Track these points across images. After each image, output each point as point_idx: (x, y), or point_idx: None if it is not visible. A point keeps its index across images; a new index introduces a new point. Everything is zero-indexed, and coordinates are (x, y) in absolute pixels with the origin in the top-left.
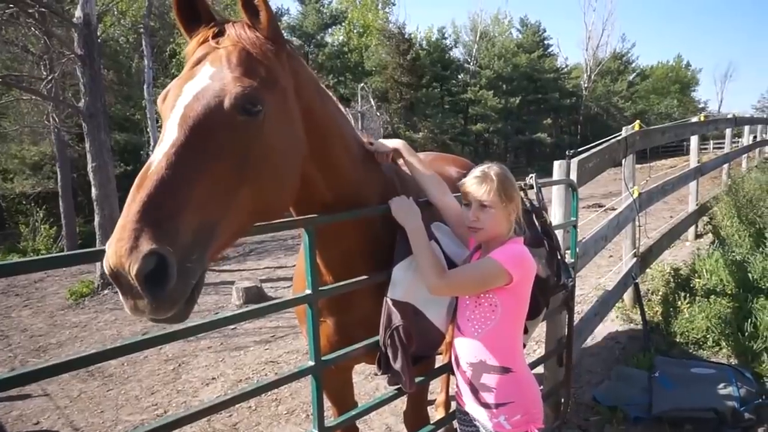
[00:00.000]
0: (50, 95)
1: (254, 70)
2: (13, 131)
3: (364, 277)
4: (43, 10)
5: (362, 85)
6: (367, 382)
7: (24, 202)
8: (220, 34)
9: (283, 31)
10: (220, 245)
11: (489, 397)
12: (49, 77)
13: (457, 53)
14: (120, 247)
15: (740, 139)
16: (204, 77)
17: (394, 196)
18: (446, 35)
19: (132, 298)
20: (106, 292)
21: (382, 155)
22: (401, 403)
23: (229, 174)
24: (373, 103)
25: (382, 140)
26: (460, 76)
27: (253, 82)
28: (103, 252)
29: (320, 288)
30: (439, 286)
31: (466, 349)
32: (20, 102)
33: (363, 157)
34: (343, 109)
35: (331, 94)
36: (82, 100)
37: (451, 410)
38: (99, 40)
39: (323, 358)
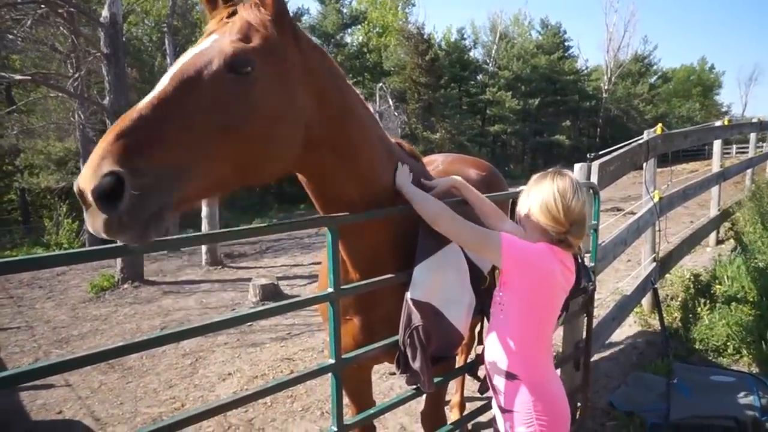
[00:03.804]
0: (76, 93)
1: (251, 37)
2: (40, 128)
3: (386, 276)
4: (71, 10)
5: (381, 85)
6: (382, 381)
7: (48, 197)
8: (234, 14)
9: (296, 21)
10: (193, 191)
11: (499, 400)
12: (76, 75)
13: (476, 54)
14: (86, 170)
15: (765, 144)
16: (207, 42)
17: None
18: (465, 36)
19: (91, 216)
20: (126, 286)
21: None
22: (416, 402)
23: (210, 125)
24: (391, 103)
25: (438, 179)
26: (478, 77)
27: (246, 45)
28: (121, 248)
29: (342, 287)
30: (440, 216)
31: (487, 347)
32: (47, 99)
33: (389, 156)
34: (371, 109)
35: (354, 88)
36: (107, 98)
37: (465, 411)
38: (124, 39)
39: (343, 356)
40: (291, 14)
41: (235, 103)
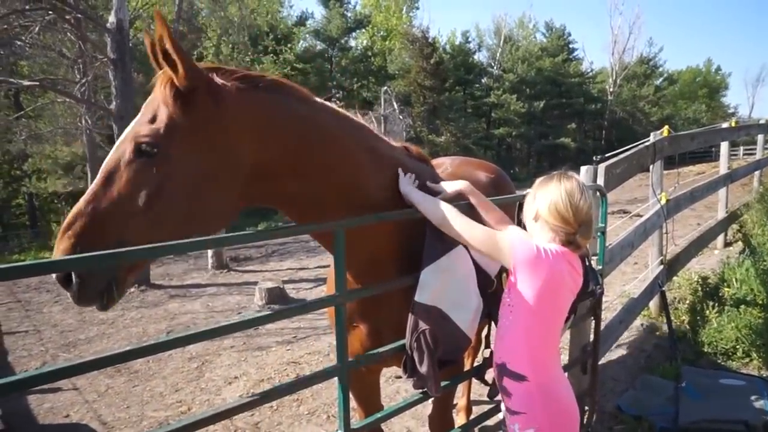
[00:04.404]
0: (83, 98)
1: (157, 116)
2: (48, 132)
3: (393, 280)
4: (79, 16)
5: (385, 88)
6: (389, 384)
7: (55, 201)
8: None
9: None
10: (134, 267)
11: (508, 402)
12: (83, 80)
13: (480, 57)
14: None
15: None
16: (130, 126)
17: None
18: (470, 39)
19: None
20: (132, 290)
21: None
22: (422, 406)
23: (136, 207)
24: (396, 106)
25: (445, 182)
26: (483, 80)
27: (151, 127)
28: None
29: (348, 290)
30: (448, 217)
31: (497, 348)
32: (55, 104)
33: (383, 165)
34: (357, 119)
35: (326, 105)
36: (114, 103)
37: (472, 415)
38: (130, 45)
39: (349, 360)
40: (213, 74)
41: (154, 183)
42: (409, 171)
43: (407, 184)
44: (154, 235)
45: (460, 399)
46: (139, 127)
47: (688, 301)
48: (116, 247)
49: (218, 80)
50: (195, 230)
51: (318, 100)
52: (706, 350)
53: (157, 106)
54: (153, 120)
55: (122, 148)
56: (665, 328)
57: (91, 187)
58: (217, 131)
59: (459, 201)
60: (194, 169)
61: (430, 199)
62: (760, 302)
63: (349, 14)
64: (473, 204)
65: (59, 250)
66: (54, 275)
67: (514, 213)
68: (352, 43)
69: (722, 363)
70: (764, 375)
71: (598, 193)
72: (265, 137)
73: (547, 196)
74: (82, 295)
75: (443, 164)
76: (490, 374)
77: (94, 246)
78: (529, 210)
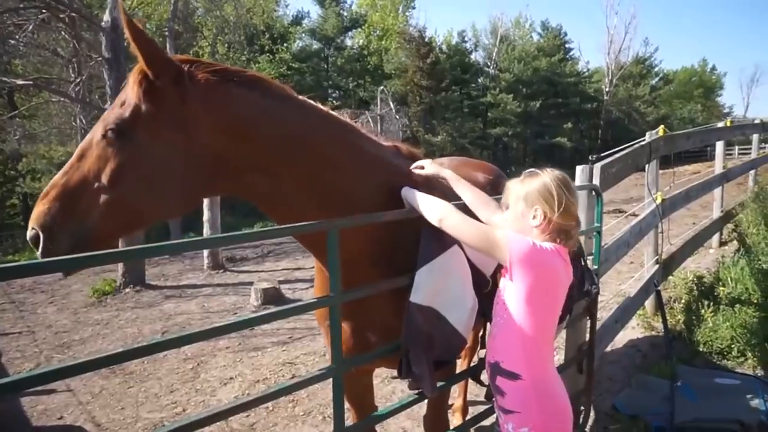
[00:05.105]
0: (78, 97)
1: (125, 103)
2: (42, 132)
3: (389, 280)
4: (73, 15)
5: (382, 88)
6: (384, 385)
7: None
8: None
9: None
10: (100, 234)
11: (501, 401)
12: (77, 80)
13: (477, 57)
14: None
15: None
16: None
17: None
18: (466, 39)
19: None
20: (127, 290)
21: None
22: (418, 407)
23: (97, 182)
24: (392, 106)
25: (424, 161)
26: (479, 80)
27: (118, 112)
28: (122, 253)
29: (342, 291)
30: (444, 214)
31: (490, 347)
32: (49, 104)
33: (368, 165)
34: (335, 116)
35: (309, 104)
36: (108, 102)
37: (468, 415)
38: (125, 44)
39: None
40: (188, 66)
41: (117, 163)
42: (396, 171)
43: (407, 189)
44: (117, 211)
45: (456, 399)
46: (111, 109)
47: (683, 301)
48: (82, 216)
49: (187, 71)
50: (155, 213)
51: (299, 98)
52: (701, 349)
53: (126, 95)
54: (123, 104)
55: (96, 128)
56: (661, 327)
57: (68, 162)
58: (179, 120)
59: (441, 176)
60: (154, 155)
61: (424, 197)
62: (755, 301)
63: (345, 13)
64: (453, 179)
65: (34, 212)
66: (28, 237)
67: None
68: (348, 42)
69: (717, 362)
70: (759, 374)
71: (593, 193)
72: (231, 133)
73: (550, 199)
74: (49, 254)
75: (441, 164)
76: (486, 375)
77: (63, 212)
78: (517, 206)
